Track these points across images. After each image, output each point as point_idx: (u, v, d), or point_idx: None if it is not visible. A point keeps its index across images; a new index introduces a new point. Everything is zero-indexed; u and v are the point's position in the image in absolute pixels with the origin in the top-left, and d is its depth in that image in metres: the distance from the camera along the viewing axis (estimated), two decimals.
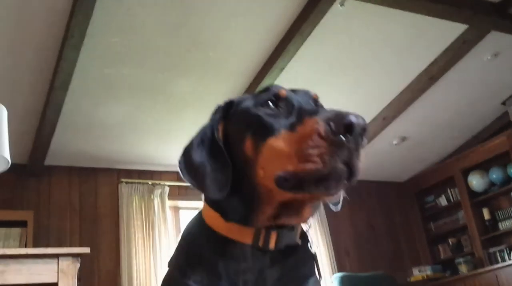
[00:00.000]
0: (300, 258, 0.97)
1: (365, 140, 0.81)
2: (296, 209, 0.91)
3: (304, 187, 0.82)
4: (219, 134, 0.95)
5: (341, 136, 0.78)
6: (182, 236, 1.03)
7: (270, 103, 0.92)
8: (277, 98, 0.93)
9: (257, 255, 0.92)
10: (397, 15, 3.85)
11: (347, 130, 0.78)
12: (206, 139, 0.96)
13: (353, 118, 0.78)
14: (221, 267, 0.92)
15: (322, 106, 0.98)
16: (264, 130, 0.88)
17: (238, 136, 0.93)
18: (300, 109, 0.89)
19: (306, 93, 0.98)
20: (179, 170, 0.96)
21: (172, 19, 3.55)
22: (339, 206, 1.01)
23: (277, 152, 0.85)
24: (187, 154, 0.96)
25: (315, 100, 0.99)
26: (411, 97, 5.02)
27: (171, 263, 1.02)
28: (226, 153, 0.92)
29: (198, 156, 0.94)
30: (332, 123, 0.79)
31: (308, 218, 0.94)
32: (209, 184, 0.91)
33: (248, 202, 0.91)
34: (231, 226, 0.92)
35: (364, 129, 0.80)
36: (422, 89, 4.93)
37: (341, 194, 0.88)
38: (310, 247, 1.00)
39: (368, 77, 4.67)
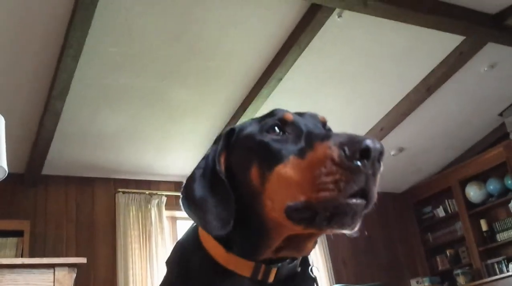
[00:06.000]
0: (300, 283, 0.93)
1: (381, 165, 0.76)
2: (300, 242, 0.87)
3: (316, 220, 0.76)
4: (221, 166, 0.89)
5: (357, 161, 0.73)
6: (173, 255, 0.99)
7: (276, 129, 0.86)
8: (283, 123, 0.87)
9: None
10: (395, 26, 3.87)
11: (364, 155, 0.73)
12: (208, 171, 0.91)
13: (369, 143, 0.73)
14: None
15: (330, 130, 0.93)
16: (271, 158, 0.82)
17: (242, 166, 0.88)
18: (309, 134, 0.83)
19: (313, 116, 0.92)
20: (181, 204, 0.90)
21: (170, 28, 3.57)
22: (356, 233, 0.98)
23: (286, 180, 0.79)
24: (188, 186, 0.91)
25: (323, 124, 0.93)
26: (408, 108, 5.03)
27: None
28: (229, 185, 0.86)
29: (200, 189, 0.89)
30: (346, 149, 0.73)
31: (311, 250, 0.91)
32: (211, 221, 0.85)
33: (253, 236, 0.86)
34: (230, 257, 0.88)
35: (381, 153, 0.75)
36: (419, 100, 4.94)
37: (358, 226, 0.80)
38: (311, 271, 0.96)
39: (365, 88, 4.68)
